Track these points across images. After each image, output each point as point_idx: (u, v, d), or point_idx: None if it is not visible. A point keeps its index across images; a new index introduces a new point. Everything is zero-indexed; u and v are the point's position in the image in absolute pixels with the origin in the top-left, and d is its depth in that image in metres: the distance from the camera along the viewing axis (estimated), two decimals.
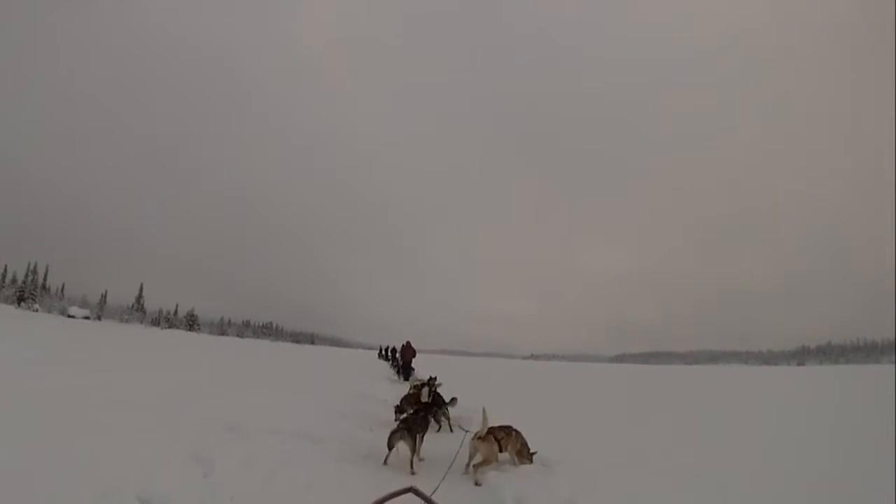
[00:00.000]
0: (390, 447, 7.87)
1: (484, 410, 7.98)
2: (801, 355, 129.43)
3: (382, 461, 7.80)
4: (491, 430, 7.79)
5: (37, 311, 71.13)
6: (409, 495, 3.31)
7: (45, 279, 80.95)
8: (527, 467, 7.73)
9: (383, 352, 44.82)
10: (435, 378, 15.71)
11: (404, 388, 16.19)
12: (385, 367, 34.24)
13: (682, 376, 41.61)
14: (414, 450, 7.97)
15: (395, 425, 8.43)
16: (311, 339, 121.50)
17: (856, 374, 47.76)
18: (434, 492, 3.57)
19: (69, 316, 71.12)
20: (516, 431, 8.15)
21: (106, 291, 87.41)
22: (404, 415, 10.54)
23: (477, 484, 7.09)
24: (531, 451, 8.12)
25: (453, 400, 12.09)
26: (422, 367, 24.74)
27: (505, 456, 7.97)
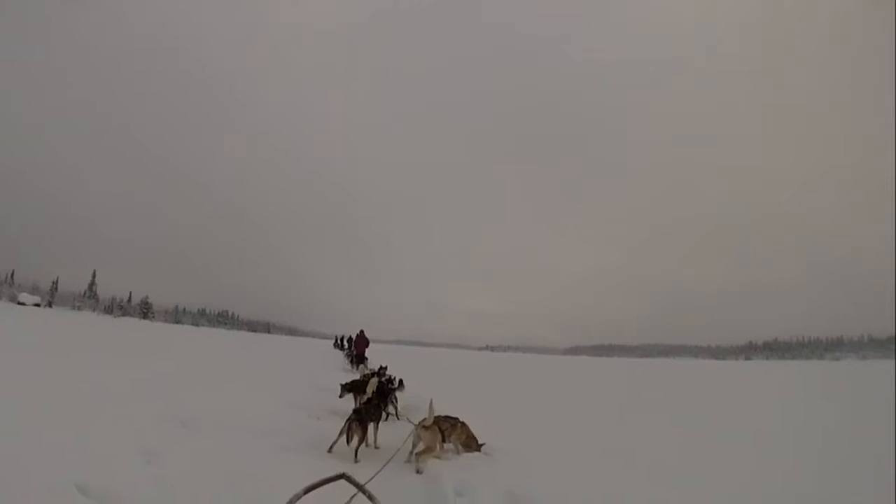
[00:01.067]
0: (344, 436, 7.98)
1: (431, 402, 8.13)
2: (749, 351, 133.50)
3: (326, 449, 7.91)
4: (436, 420, 7.94)
5: None
6: (344, 483, 3.37)
7: None
8: (469, 456, 7.92)
9: (339, 341, 44.73)
10: (385, 368, 15.86)
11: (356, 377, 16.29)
12: (340, 356, 34.16)
13: (632, 369, 42.63)
14: (362, 439, 8.09)
15: (347, 413, 8.53)
16: (268, 329, 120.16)
17: (799, 368, 49.52)
18: (370, 480, 3.64)
19: (19, 303, 68.67)
20: (462, 423, 8.32)
21: (57, 278, 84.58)
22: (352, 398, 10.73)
23: (418, 472, 7.25)
24: (479, 442, 8.29)
25: (400, 383, 12.24)
26: (375, 358, 24.84)
27: (449, 446, 8.14)
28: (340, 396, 12.08)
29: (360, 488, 3.29)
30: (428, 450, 7.65)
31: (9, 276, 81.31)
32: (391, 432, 9.17)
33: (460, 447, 8.18)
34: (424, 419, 7.97)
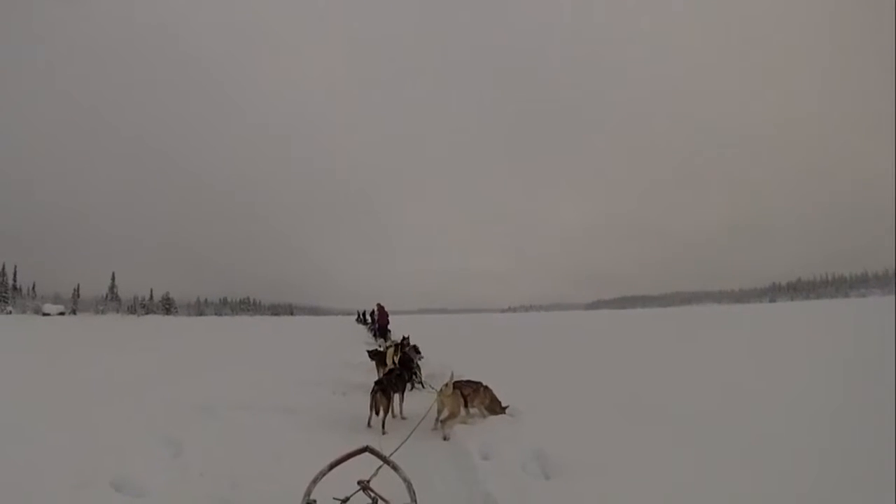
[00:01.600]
0: (373, 409, 8.04)
1: (452, 374, 8.10)
2: (773, 292, 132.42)
3: (357, 424, 8.00)
4: (458, 385, 7.93)
5: (10, 312, 69.75)
6: (370, 455, 3.35)
7: (14, 280, 78.99)
8: (494, 419, 7.91)
9: (361, 316, 45.00)
10: (407, 338, 15.89)
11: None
12: (363, 331, 34.38)
13: (655, 319, 42.36)
14: (388, 409, 8.15)
15: (371, 387, 8.56)
16: (290, 311, 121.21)
17: (824, 308, 49.02)
18: (395, 451, 3.62)
19: (44, 314, 69.68)
20: (485, 387, 8.30)
21: (78, 285, 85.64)
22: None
23: (445, 438, 7.27)
24: (503, 405, 8.27)
25: (415, 350, 12.28)
26: (399, 329, 24.91)
27: (474, 411, 8.13)
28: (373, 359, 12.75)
29: (385, 460, 3.28)
30: (452, 415, 7.66)
31: (30, 289, 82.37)
32: (418, 402, 9.17)
33: (484, 411, 8.18)
34: (445, 385, 7.97)
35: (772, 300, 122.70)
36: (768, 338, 22.39)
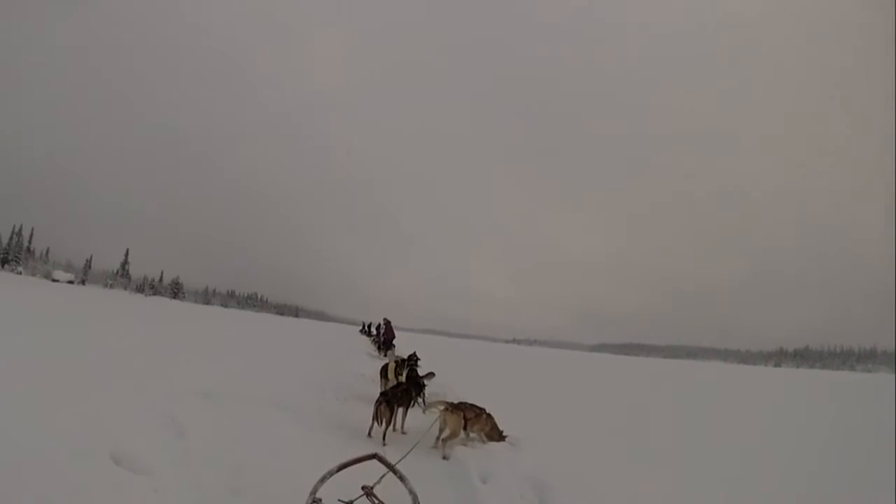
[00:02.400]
0: (375, 420, 8.09)
1: (441, 395, 8.18)
2: (778, 357, 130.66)
3: (356, 432, 8.03)
4: (461, 407, 7.96)
5: (20, 273, 70.30)
6: (375, 463, 3.40)
7: (30, 242, 79.65)
8: (494, 445, 7.91)
9: (365, 328, 44.99)
10: (414, 354, 15.91)
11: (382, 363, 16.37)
12: (366, 342, 34.34)
13: (661, 370, 42.00)
14: (390, 421, 8.18)
15: (372, 398, 8.61)
16: (296, 312, 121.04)
17: (831, 378, 48.38)
18: (399, 461, 3.66)
19: (53, 280, 70.15)
20: (487, 414, 8.31)
21: (91, 256, 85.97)
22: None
23: (444, 458, 7.28)
24: (503, 433, 8.28)
25: (430, 374, 12.24)
26: (402, 345, 24.87)
27: (473, 436, 8.15)
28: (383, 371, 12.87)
29: (391, 468, 3.31)
30: (452, 435, 7.68)
31: (44, 253, 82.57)
32: (416, 419, 9.19)
33: (484, 437, 8.18)
34: (449, 402, 8.02)
35: (777, 365, 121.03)
36: (770, 401, 22.19)
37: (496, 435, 8.22)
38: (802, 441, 11.13)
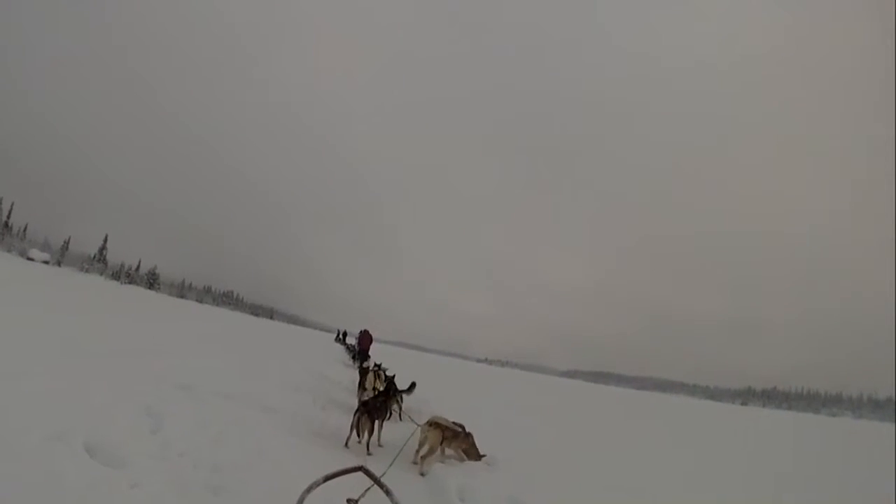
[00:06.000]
0: (355, 431, 8.01)
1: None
2: (746, 396, 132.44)
3: (334, 439, 7.94)
4: (441, 424, 7.92)
5: None
6: (358, 475, 3.36)
7: (8, 217, 78.10)
8: (472, 463, 7.87)
9: (340, 336, 44.85)
10: (379, 365, 15.92)
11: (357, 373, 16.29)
12: (340, 350, 34.18)
13: (629, 399, 42.30)
14: (371, 432, 8.12)
15: (348, 405, 8.56)
16: (271, 314, 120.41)
17: (794, 420, 48.95)
18: (383, 475, 3.62)
19: (28, 258, 68.82)
20: (467, 433, 8.27)
21: (69, 238, 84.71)
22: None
23: (422, 474, 7.22)
24: (481, 453, 8.24)
25: (412, 386, 12.20)
26: (377, 358, 24.78)
27: (450, 453, 8.11)
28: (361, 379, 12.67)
29: (377, 481, 3.28)
30: (431, 450, 7.63)
31: (21, 230, 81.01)
32: (393, 432, 9.13)
33: (462, 455, 8.14)
34: (432, 417, 7.99)
35: (744, 403, 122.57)
36: (735, 437, 22.41)
37: (474, 454, 8.18)
38: (765, 480, 11.23)
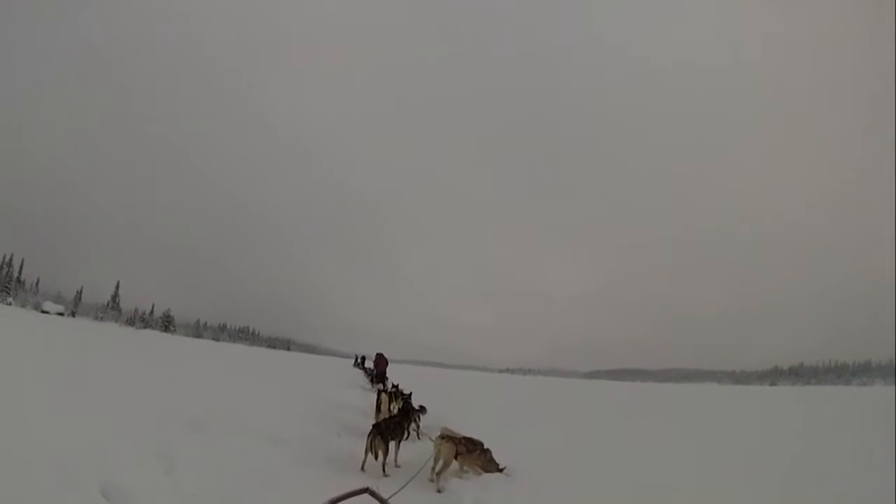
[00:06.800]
0: (370, 452, 8.01)
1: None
2: (774, 376, 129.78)
3: (348, 465, 7.95)
4: (455, 439, 7.89)
5: (10, 304, 69.71)
6: (367, 497, 3.34)
7: (20, 272, 78.97)
8: (488, 477, 7.80)
9: (358, 361, 44.79)
10: (397, 386, 15.88)
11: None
12: (359, 375, 34.08)
13: (653, 394, 41.70)
14: (386, 453, 8.11)
15: (363, 430, 8.55)
16: (288, 346, 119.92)
17: (828, 394, 48.02)
18: (393, 495, 3.60)
19: (43, 311, 69.42)
20: (483, 448, 8.21)
21: (82, 288, 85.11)
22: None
23: (439, 491, 7.19)
24: (499, 466, 8.17)
25: (422, 408, 12.15)
26: (396, 378, 24.65)
27: (468, 472, 8.05)
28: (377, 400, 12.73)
29: (384, 502, 3.26)
30: (445, 464, 7.60)
31: (34, 284, 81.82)
32: (411, 451, 9.09)
33: (479, 469, 8.07)
34: (444, 429, 7.97)
35: (772, 384, 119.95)
36: (768, 421, 21.88)
37: (493, 468, 8.11)
38: (803, 457, 10.94)
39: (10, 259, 77.03)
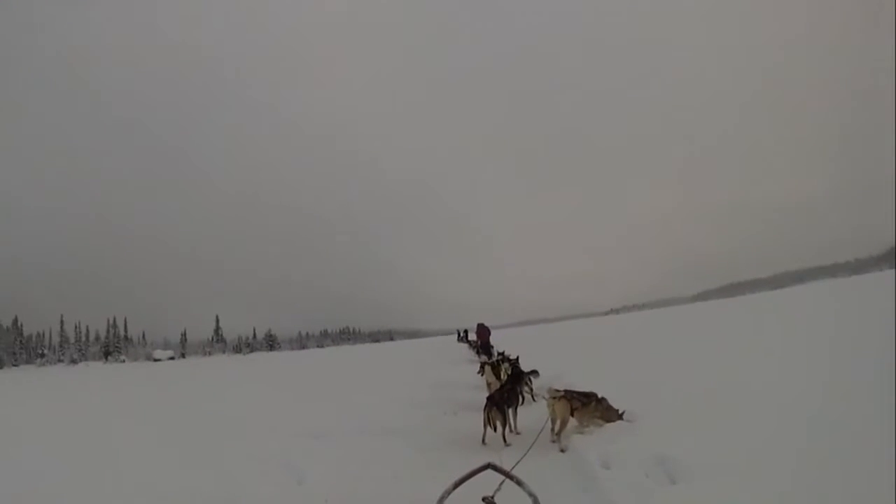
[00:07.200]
0: (488, 425, 8.05)
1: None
2: (891, 257, 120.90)
3: (470, 441, 8.00)
4: (569, 395, 7.79)
5: (123, 361, 75.04)
6: (492, 472, 3.33)
7: (125, 330, 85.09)
8: (611, 427, 7.62)
9: (461, 335, 45.10)
10: (502, 353, 15.86)
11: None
12: (465, 349, 34.35)
13: (766, 304, 39.77)
14: (504, 423, 8.12)
15: (478, 405, 8.60)
16: (390, 336, 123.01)
17: None
18: (516, 465, 3.57)
19: (155, 360, 74.21)
20: (598, 399, 8.06)
21: (185, 330, 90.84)
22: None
23: (562, 451, 7.12)
24: (619, 411, 8.01)
25: (533, 372, 12.09)
26: (502, 344, 24.62)
27: (587, 423, 7.92)
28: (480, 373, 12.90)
29: (507, 475, 3.23)
30: (563, 423, 7.52)
31: (140, 337, 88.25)
32: (530, 416, 9.04)
33: (600, 421, 7.93)
34: (551, 389, 7.89)
35: (892, 266, 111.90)
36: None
37: (613, 415, 7.95)
38: None
39: (114, 321, 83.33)
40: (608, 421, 7.87)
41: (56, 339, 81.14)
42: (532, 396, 11.54)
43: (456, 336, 48.16)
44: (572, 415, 7.69)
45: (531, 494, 3.02)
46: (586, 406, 7.85)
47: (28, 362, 75.89)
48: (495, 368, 12.75)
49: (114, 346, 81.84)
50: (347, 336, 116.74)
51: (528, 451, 4.97)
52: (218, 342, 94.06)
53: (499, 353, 18.20)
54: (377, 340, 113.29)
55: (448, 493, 3.11)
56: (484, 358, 22.52)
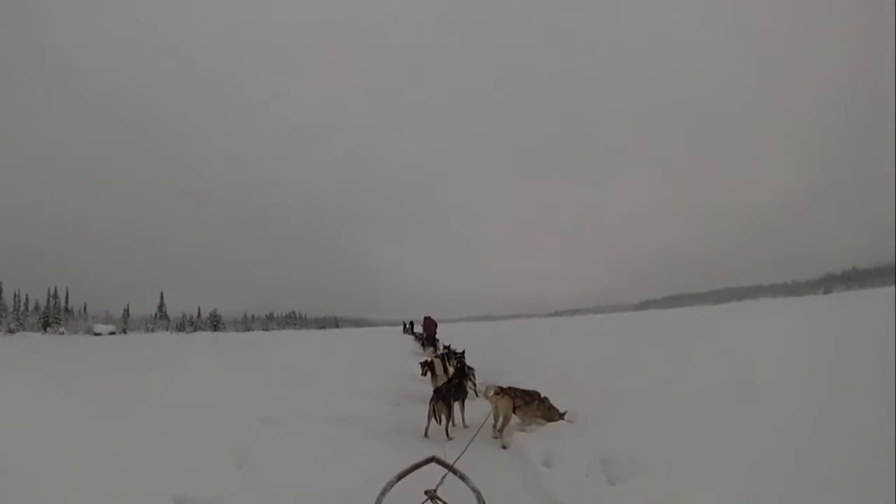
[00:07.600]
0: (433, 417, 8.09)
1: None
2: (827, 283, 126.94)
3: (414, 434, 8.05)
4: (511, 392, 7.87)
5: (62, 333, 72.22)
6: (434, 465, 3.34)
7: (66, 301, 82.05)
8: (554, 426, 7.79)
9: (407, 327, 45.16)
10: (448, 347, 15.95)
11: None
12: (410, 341, 34.39)
13: (707, 317, 41.00)
14: (449, 416, 8.18)
15: (425, 397, 8.63)
16: (336, 323, 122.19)
17: (883, 297, 46.51)
18: (457, 459, 3.59)
19: (95, 334, 71.64)
20: (541, 398, 8.18)
21: (128, 305, 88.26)
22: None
23: (504, 447, 7.21)
24: (561, 411, 8.14)
25: (470, 368, 12.19)
26: (447, 338, 24.73)
27: (529, 420, 8.03)
28: (423, 374, 12.40)
29: (450, 468, 3.25)
30: (505, 420, 7.61)
31: (82, 309, 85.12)
32: (472, 412, 9.11)
33: (541, 420, 8.05)
34: (491, 386, 7.95)
35: (826, 291, 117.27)
36: (821, 329, 21.01)
37: (555, 415, 8.10)
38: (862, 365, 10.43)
39: (55, 291, 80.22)
40: (550, 420, 8.02)
41: None
42: (475, 392, 11.63)
43: (402, 327, 48.22)
44: (515, 412, 7.79)
45: (475, 490, 3.05)
46: (529, 405, 7.96)
47: None
48: (443, 361, 12.80)
49: (53, 317, 78.83)
50: (293, 321, 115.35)
51: (469, 445, 4.99)
52: (161, 319, 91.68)
53: (444, 347, 18.32)
54: (323, 327, 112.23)
55: (391, 485, 3.12)
56: (430, 350, 22.61)
